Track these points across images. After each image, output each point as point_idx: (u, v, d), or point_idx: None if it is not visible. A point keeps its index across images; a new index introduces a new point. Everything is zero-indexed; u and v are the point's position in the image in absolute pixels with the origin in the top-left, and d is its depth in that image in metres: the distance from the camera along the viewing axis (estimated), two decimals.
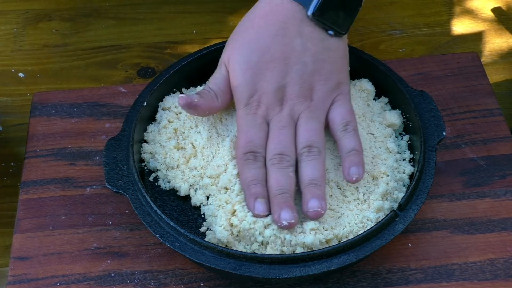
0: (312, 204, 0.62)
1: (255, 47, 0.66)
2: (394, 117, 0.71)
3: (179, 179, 0.68)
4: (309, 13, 0.66)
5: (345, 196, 0.65)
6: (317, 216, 0.63)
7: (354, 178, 0.64)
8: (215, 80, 0.68)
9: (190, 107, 0.67)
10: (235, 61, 0.66)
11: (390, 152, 0.69)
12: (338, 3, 0.66)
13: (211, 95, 0.67)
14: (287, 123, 0.65)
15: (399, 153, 0.70)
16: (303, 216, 0.64)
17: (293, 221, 0.62)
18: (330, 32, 0.67)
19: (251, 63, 0.66)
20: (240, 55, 0.66)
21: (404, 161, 0.69)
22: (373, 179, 0.66)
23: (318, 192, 0.63)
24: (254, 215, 0.63)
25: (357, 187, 0.66)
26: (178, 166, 0.68)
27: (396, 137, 0.72)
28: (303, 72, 0.66)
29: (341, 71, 0.68)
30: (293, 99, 0.66)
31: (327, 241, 0.62)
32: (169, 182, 0.68)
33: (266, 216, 0.63)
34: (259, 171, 0.64)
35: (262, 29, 0.66)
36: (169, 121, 0.71)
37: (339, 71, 0.67)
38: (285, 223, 0.62)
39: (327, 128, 0.67)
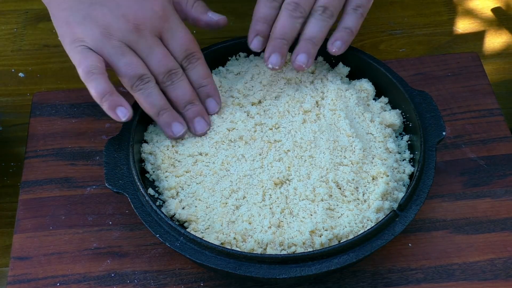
0: (300, 58, 0.69)
1: None
2: (394, 117, 0.71)
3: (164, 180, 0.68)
4: None
5: (345, 196, 0.65)
6: (298, 69, 0.70)
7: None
8: None
9: None
10: None
11: (390, 152, 0.69)
12: None
13: None
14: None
15: (399, 153, 0.70)
16: (303, 216, 0.64)
17: (277, 67, 0.69)
18: None
19: None
20: None
21: (404, 161, 0.69)
22: (373, 179, 0.67)
23: (311, 50, 0.69)
24: (251, 47, 0.71)
25: (357, 187, 0.66)
26: (167, 170, 0.68)
27: (396, 137, 0.72)
28: None
29: None
30: None
31: (328, 241, 0.63)
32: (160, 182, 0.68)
33: (260, 52, 0.72)
34: (271, 12, 0.70)
35: None
36: None
37: None
38: (270, 66, 0.69)
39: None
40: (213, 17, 0.72)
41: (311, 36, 0.69)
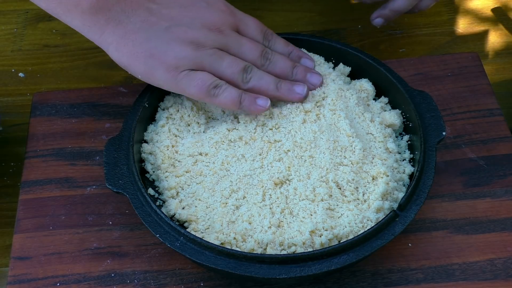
0: (377, 22, 0.83)
1: None
2: (394, 117, 0.71)
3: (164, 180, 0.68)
4: None
5: (345, 196, 0.65)
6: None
7: None
8: None
9: None
10: None
11: (390, 152, 0.69)
12: None
13: None
14: None
15: (399, 153, 0.70)
16: (303, 216, 0.64)
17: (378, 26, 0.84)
18: None
19: None
20: None
21: (404, 161, 0.69)
22: (373, 179, 0.67)
23: (391, 18, 0.83)
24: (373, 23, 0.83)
25: (357, 187, 0.66)
26: (167, 170, 0.68)
27: (396, 137, 0.72)
28: None
29: None
30: None
31: (328, 241, 0.63)
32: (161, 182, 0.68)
33: None
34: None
35: None
36: (167, 120, 0.71)
37: None
38: (374, 23, 0.84)
39: None
40: None
41: (397, 9, 0.79)
